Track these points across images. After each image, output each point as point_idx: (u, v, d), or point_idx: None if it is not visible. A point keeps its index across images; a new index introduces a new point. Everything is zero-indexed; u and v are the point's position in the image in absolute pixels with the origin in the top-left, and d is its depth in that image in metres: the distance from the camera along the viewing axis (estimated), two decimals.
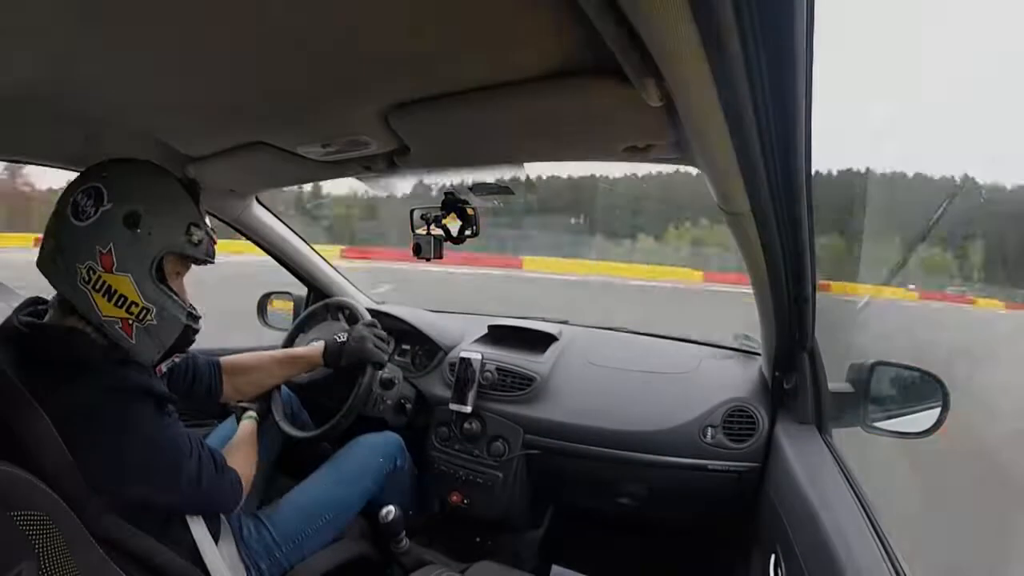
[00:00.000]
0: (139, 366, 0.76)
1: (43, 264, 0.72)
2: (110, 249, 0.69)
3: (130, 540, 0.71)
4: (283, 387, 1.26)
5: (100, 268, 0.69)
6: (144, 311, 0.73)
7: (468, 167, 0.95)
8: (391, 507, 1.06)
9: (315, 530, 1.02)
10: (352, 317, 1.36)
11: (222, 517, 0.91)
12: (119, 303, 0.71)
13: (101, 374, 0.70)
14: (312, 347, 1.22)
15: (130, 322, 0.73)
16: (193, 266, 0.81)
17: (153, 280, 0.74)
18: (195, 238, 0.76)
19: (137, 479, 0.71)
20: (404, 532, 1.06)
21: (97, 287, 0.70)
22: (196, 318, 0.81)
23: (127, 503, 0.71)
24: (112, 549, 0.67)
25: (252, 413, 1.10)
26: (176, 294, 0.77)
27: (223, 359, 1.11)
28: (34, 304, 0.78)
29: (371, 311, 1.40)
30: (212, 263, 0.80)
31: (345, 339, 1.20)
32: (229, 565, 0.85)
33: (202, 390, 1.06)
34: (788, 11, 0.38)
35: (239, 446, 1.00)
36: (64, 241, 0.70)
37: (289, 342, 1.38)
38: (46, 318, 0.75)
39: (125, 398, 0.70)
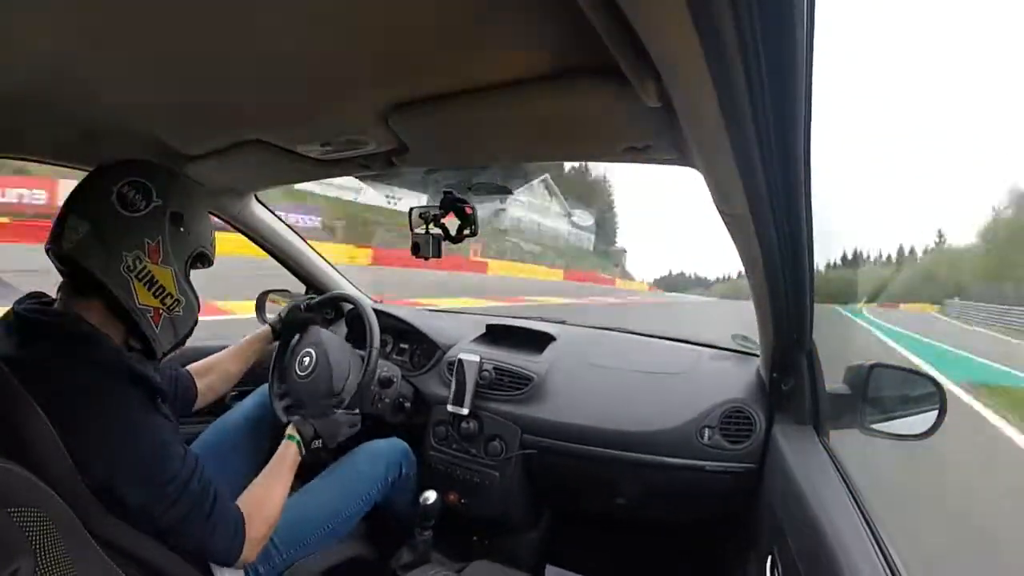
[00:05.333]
0: (137, 355, 0.78)
1: (78, 248, 0.71)
2: (158, 242, 0.75)
3: (130, 541, 0.70)
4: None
5: (147, 259, 0.74)
6: (176, 302, 0.79)
7: (467, 167, 0.95)
8: (433, 493, 1.13)
9: (317, 539, 1.02)
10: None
11: None
12: (157, 293, 0.76)
13: (97, 354, 0.70)
14: (261, 328, 1.27)
15: (161, 312, 0.77)
16: None
17: (186, 275, 0.80)
18: (213, 242, 0.85)
19: (121, 470, 0.68)
20: (433, 522, 1.11)
21: (141, 276, 0.74)
22: None
23: (123, 503, 0.69)
24: (110, 548, 0.66)
25: (293, 432, 0.97)
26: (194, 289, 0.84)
27: (189, 367, 1.12)
28: (35, 298, 0.77)
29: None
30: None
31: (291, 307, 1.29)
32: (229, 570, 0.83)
33: (183, 395, 1.07)
34: (788, 12, 0.37)
35: (270, 476, 0.90)
36: (106, 227, 0.72)
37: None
38: (55, 306, 0.75)
39: (117, 380, 0.70)
